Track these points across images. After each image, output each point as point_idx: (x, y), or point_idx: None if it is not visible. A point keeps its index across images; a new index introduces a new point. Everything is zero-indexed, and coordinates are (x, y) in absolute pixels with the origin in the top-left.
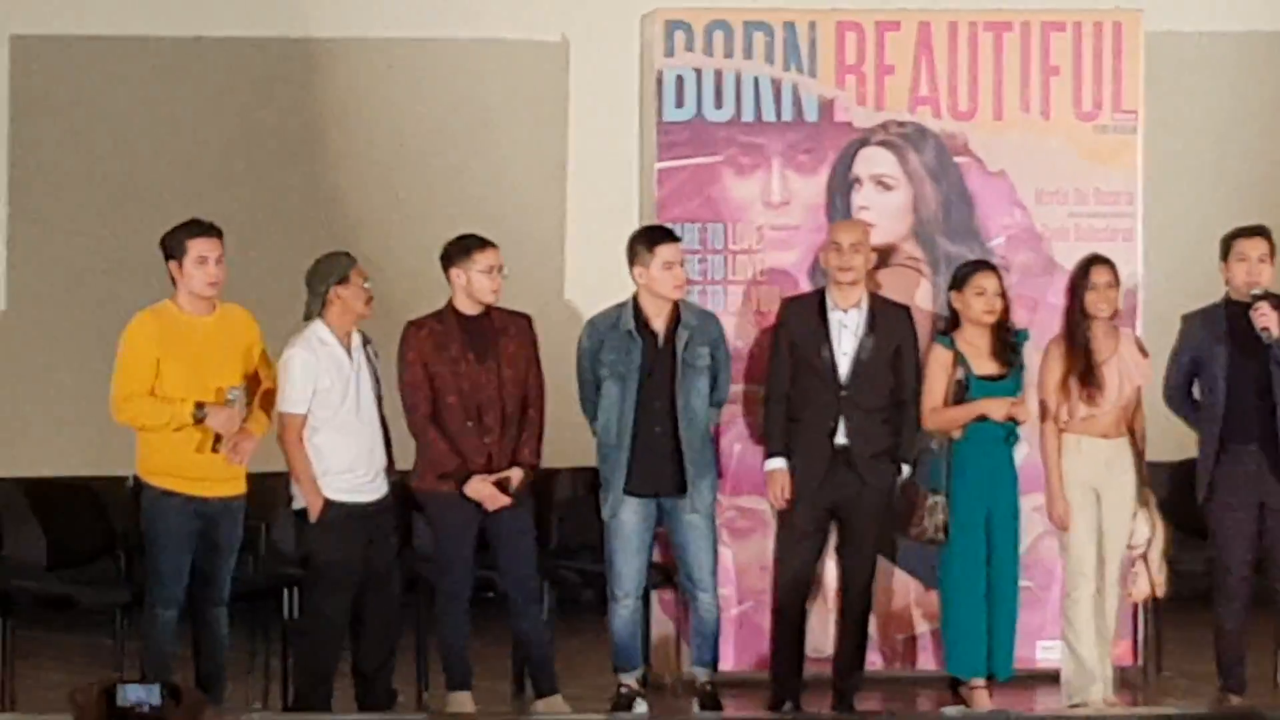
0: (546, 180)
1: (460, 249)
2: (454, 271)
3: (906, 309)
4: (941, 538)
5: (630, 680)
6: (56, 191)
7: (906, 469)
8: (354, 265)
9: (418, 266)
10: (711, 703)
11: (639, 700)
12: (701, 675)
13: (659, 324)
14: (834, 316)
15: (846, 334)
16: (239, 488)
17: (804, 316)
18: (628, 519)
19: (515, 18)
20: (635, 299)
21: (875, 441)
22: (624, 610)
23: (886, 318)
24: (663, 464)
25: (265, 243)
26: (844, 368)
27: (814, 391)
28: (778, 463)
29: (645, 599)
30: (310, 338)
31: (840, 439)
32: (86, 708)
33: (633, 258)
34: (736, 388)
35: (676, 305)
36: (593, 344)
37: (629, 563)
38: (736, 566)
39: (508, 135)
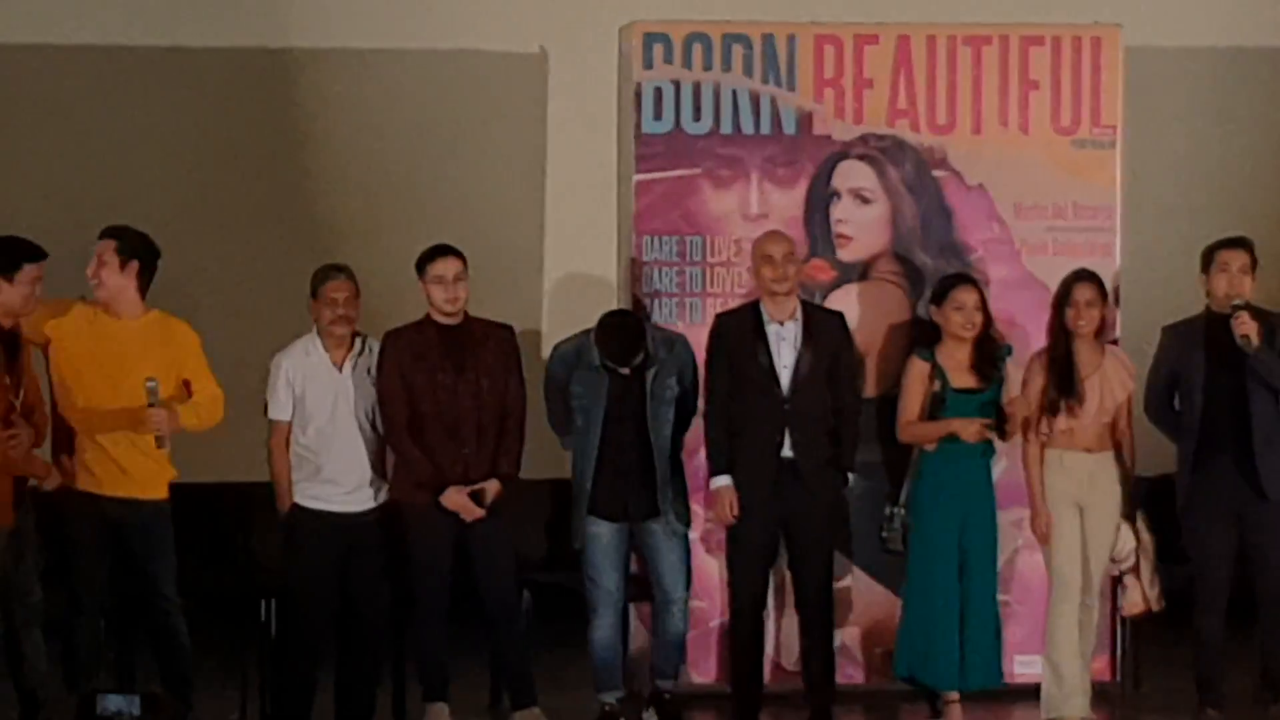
0: (525, 192)
1: (420, 260)
2: (423, 283)
3: (840, 316)
4: (900, 548)
5: (611, 698)
6: (30, 202)
7: (853, 477)
8: (330, 280)
9: (396, 277)
10: (671, 713)
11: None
12: (665, 684)
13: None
14: (771, 329)
15: (785, 346)
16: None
17: (740, 331)
18: (601, 536)
19: (493, 29)
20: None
21: (820, 451)
22: (602, 623)
23: (821, 327)
24: (633, 489)
25: (243, 253)
26: (785, 380)
27: (757, 405)
28: (723, 480)
29: (625, 613)
30: (297, 347)
31: (786, 451)
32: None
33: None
34: None
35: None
36: (560, 374)
37: (607, 576)
38: (716, 579)
39: (486, 147)
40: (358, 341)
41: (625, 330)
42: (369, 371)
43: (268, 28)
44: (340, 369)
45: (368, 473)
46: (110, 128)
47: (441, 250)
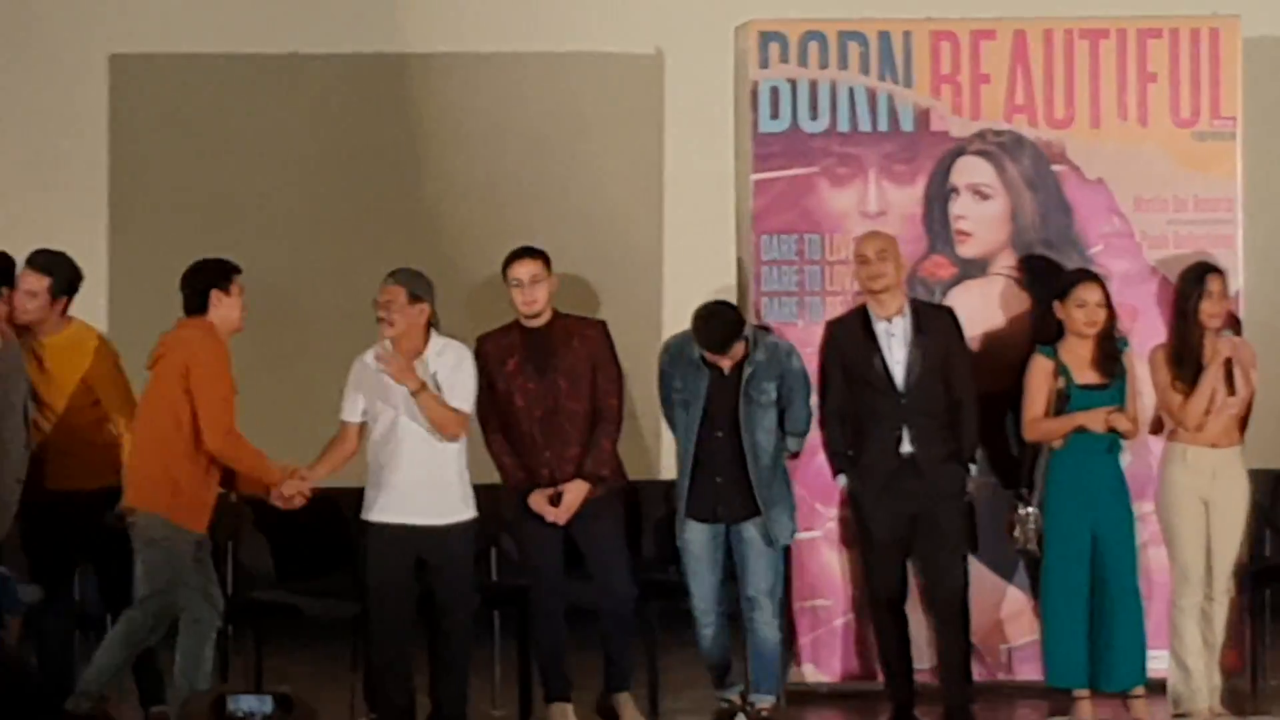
0: (643, 193)
1: (503, 264)
2: (507, 287)
3: (950, 311)
4: (1033, 548)
5: (731, 695)
6: (156, 209)
7: (974, 469)
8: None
9: None
10: None
11: (740, 715)
12: (761, 701)
13: (724, 361)
14: (880, 328)
15: (896, 343)
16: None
17: (850, 334)
18: (695, 540)
19: (610, 31)
20: None
21: (939, 446)
22: (706, 630)
23: (931, 322)
24: (729, 491)
25: (362, 258)
26: (900, 377)
27: (874, 405)
28: (843, 480)
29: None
30: (369, 352)
31: (906, 447)
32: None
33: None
34: None
35: (747, 337)
36: (666, 369)
37: (702, 583)
38: (840, 577)
39: (603, 148)
40: (431, 346)
41: (720, 318)
42: (434, 376)
43: (385, 33)
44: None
45: (438, 482)
46: (230, 135)
47: (520, 253)
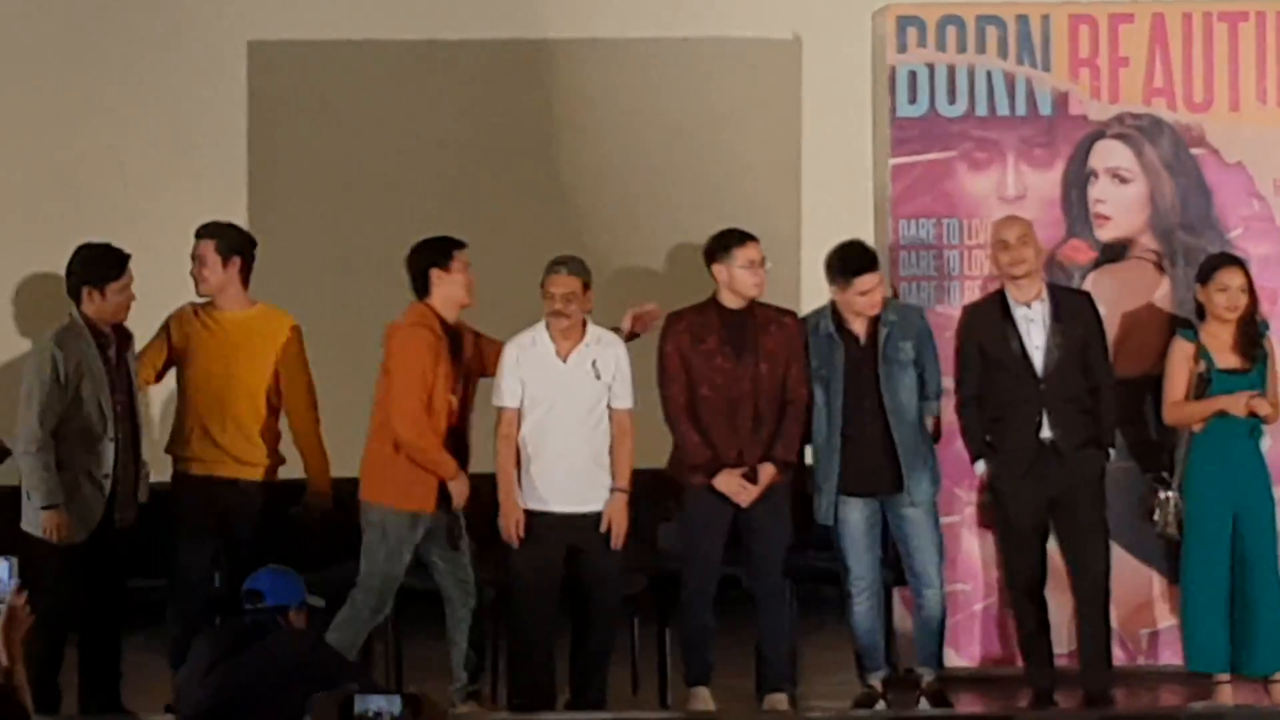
0: (780, 178)
1: (721, 245)
2: (716, 267)
3: (1088, 295)
4: (1173, 533)
5: (875, 681)
6: (296, 195)
7: (1114, 453)
8: (551, 274)
9: (651, 267)
10: (940, 701)
11: (880, 702)
12: (926, 675)
13: (858, 325)
14: (1019, 313)
15: (1034, 328)
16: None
17: (988, 319)
18: (851, 517)
19: (747, 16)
20: (833, 304)
21: (1079, 431)
22: (859, 607)
23: (1070, 307)
24: (878, 462)
25: (500, 245)
26: (1039, 361)
27: (1013, 390)
28: (981, 466)
29: (887, 595)
30: (526, 335)
31: (1045, 432)
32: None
33: (830, 279)
34: None
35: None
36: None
37: (859, 560)
38: (979, 562)
39: (740, 134)
40: (590, 333)
41: (852, 241)
42: (593, 365)
43: (523, 19)
44: (565, 360)
45: (591, 472)
46: (368, 121)
47: (744, 235)
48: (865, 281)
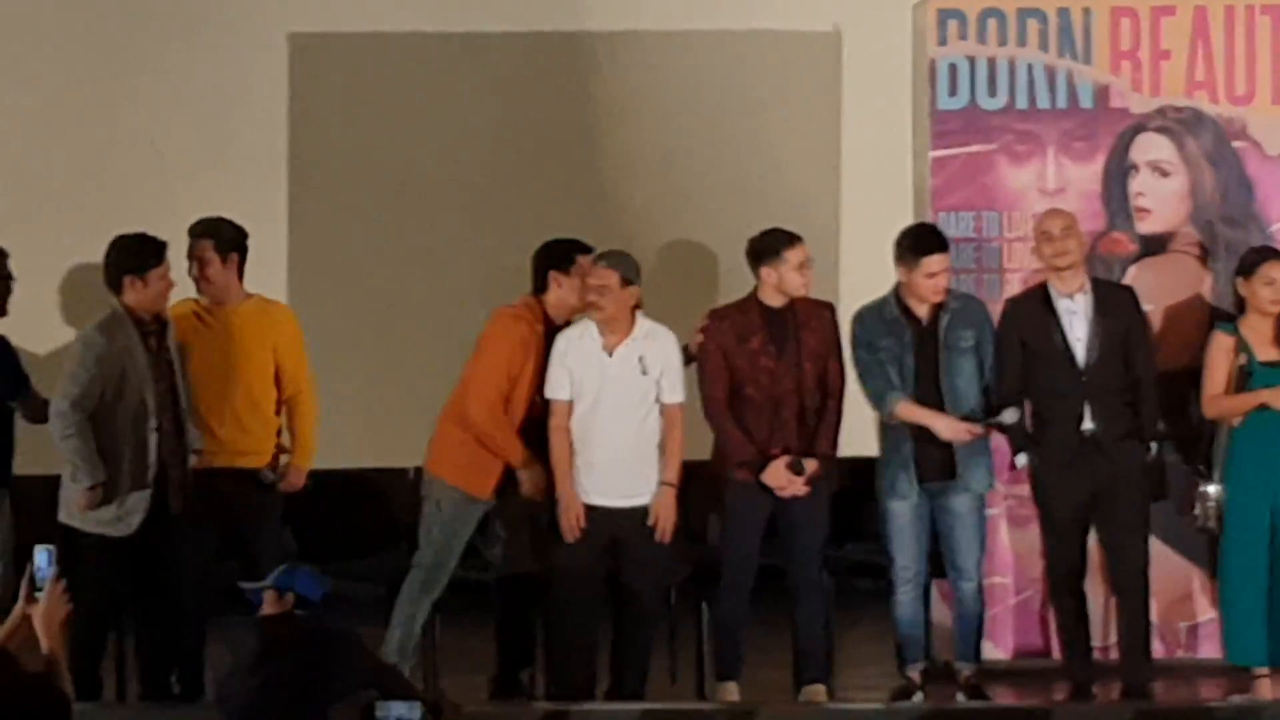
0: (820, 171)
1: (770, 247)
2: (765, 270)
3: (1130, 289)
4: (1213, 526)
5: (913, 673)
6: (336, 187)
7: (1155, 447)
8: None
9: (690, 260)
10: (976, 694)
11: (918, 694)
12: (964, 669)
13: (922, 310)
14: (1061, 305)
15: (1077, 320)
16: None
17: (1030, 311)
18: (899, 507)
19: (787, 9)
20: (897, 288)
21: (1121, 423)
22: (904, 598)
23: (1112, 300)
24: (931, 449)
25: (540, 236)
26: (1081, 354)
27: (1055, 382)
28: (1022, 459)
29: (927, 588)
30: (576, 327)
31: (1088, 425)
32: None
33: (898, 259)
34: None
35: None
36: (864, 334)
37: (905, 551)
38: (1015, 555)
39: (780, 127)
40: (639, 327)
41: (926, 225)
42: (641, 360)
43: (564, 11)
44: (611, 354)
45: (636, 466)
46: (409, 113)
47: (791, 236)
48: (933, 262)
